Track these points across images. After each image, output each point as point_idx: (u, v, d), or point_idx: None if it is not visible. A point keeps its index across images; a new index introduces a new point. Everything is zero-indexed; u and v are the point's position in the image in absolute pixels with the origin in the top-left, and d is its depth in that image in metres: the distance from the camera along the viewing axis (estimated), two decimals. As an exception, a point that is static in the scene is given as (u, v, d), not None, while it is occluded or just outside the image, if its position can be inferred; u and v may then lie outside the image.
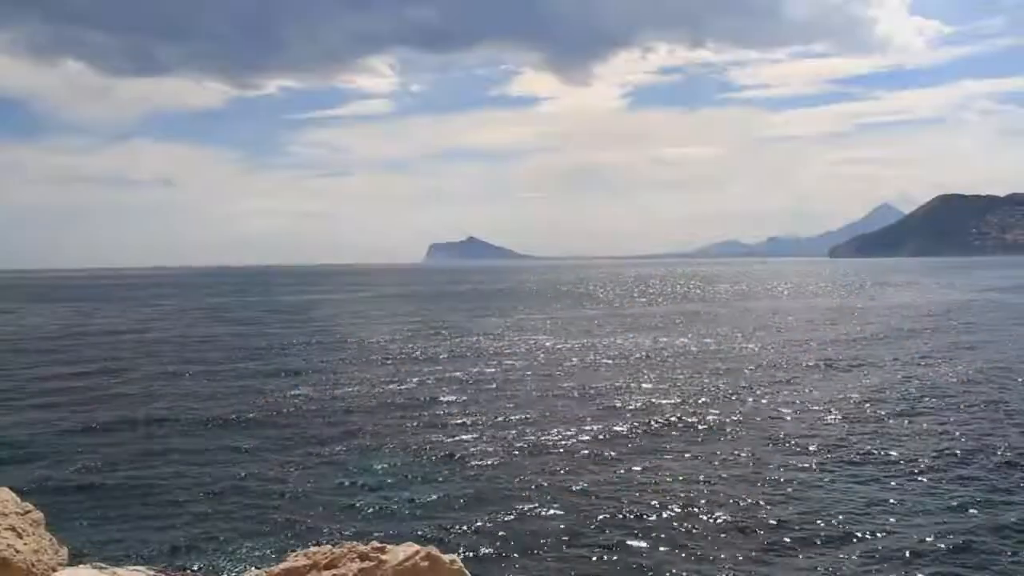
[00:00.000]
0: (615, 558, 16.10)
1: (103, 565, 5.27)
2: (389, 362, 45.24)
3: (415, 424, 28.48)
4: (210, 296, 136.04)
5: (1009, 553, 15.88)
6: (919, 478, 21.05)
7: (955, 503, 18.95)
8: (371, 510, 19.23)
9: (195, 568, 13.64)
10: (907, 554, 15.99)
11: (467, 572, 5.21)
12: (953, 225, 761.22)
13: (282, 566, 5.06)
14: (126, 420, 29.62)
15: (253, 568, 5.15)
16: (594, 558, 16.11)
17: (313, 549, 5.22)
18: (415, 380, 38.33)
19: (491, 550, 16.53)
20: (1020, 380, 35.97)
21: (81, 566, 5.20)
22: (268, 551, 15.67)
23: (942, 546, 16.31)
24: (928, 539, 16.68)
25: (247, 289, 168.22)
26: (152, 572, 5.77)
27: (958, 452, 23.48)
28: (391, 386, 36.58)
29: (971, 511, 18.38)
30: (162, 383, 38.32)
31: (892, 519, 17.96)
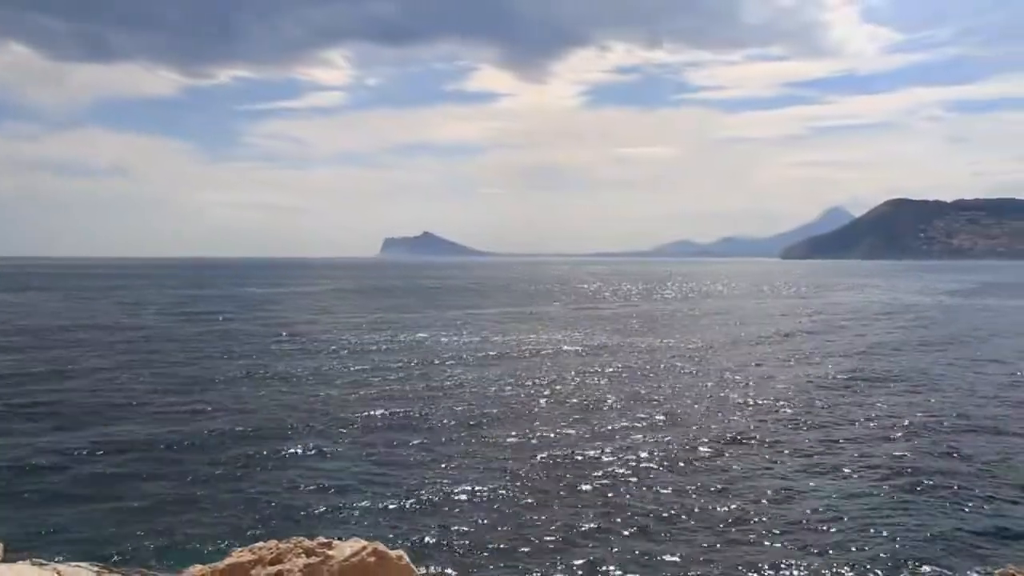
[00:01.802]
0: (564, 556, 16.19)
1: (43, 561, 5.18)
2: (339, 359, 44.87)
3: (364, 422, 28.27)
4: (164, 288, 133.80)
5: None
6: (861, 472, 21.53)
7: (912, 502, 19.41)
8: (319, 507, 19.08)
9: (138, 564, 13.41)
10: (868, 556, 16.35)
11: (414, 568, 5.22)
12: (902, 229, 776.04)
13: (227, 561, 5.02)
14: (68, 414, 29.02)
15: (198, 564, 5.10)
16: (540, 556, 16.17)
17: (259, 544, 5.18)
18: (366, 377, 38.08)
19: (439, 547, 16.53)
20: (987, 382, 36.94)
21: (19, 562, 5.10)
22: (213, 547, 15.49)
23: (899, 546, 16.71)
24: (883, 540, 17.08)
25: (203, 282, 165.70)
26: (95, 569, 5.68)
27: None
28: (341, 383, 36.28)
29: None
30: (107, 376, 37.54)
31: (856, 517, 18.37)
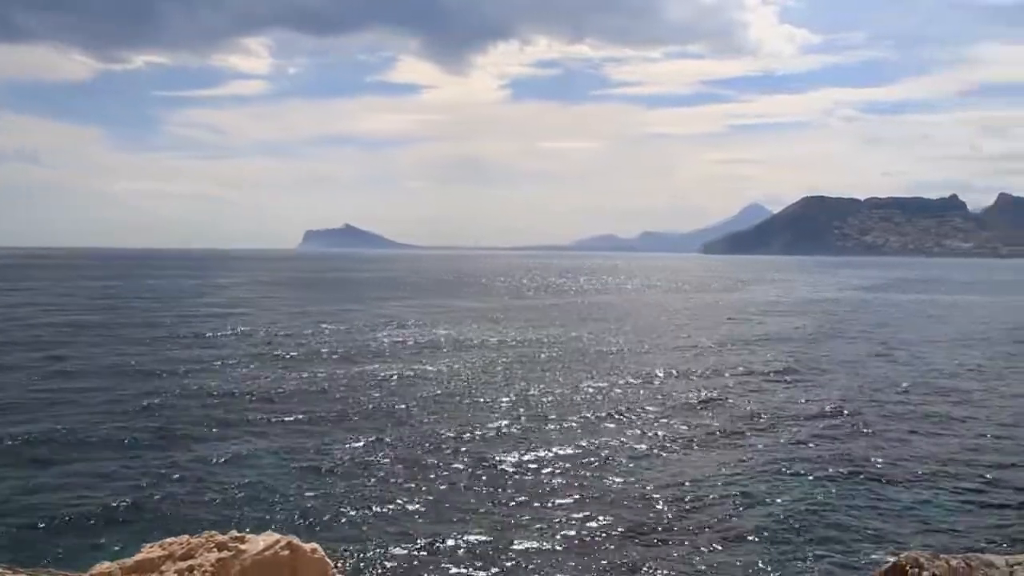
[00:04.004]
0: (481, 551, 16.29)
1: (-59, 560, 5.01)
2: (257, 354, 43.79)
3: (280, 417, 27.71)
4: (77, 280, 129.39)
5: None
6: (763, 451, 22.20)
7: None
8: (233, 503, 18.72)
9: (45, 562, 13.00)
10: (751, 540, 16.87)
11: (329, 561, 5.20)
12: (817, 225, 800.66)
13: (136, 558, 4.93)
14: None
15: (106, 561, 5.00)
16: (456, 549, 16.22)
17: (169, 540, 5.09)
18: (283, 372, 37.39)
19: (355, 540, 16.44)
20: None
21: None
22: (123, 543, 15.09)
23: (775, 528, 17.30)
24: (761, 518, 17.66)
25: (116, 273, 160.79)
26: (-1, 568, 5.52)
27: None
28: (258, 378, 35.47)
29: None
30: (9, 370, 36.14)
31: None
